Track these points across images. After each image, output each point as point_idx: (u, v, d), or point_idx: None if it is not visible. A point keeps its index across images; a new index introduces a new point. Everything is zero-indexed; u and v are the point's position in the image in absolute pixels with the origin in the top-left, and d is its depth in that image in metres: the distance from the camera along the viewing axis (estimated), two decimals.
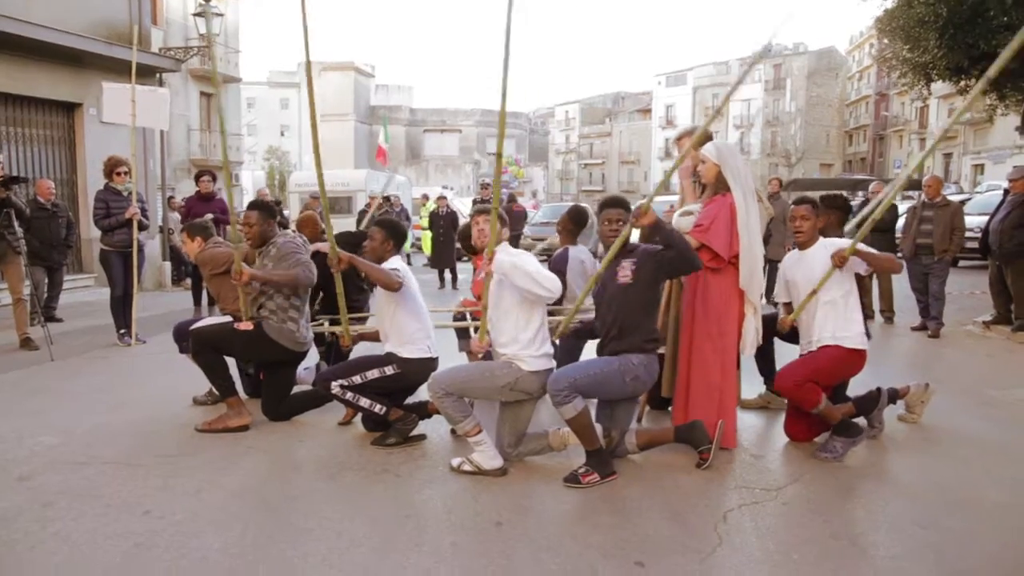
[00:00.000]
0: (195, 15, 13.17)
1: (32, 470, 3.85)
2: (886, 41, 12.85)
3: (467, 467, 3.78)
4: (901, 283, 8.48)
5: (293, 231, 5.15)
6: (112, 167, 7.41)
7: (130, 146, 7.81)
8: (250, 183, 37.49)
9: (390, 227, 4.43)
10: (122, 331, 7.37)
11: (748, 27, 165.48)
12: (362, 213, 12.34)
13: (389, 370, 4.19)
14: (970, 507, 3.41)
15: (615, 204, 4.14)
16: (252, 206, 4.89)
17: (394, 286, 4.06)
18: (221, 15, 13.28)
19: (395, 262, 4.31)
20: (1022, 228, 7.38)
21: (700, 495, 3.56)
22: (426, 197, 17.75)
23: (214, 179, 9.30)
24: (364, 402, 4.15)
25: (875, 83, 55.34)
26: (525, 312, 3.77)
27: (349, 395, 4.15)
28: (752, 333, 4.25)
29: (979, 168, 38.48)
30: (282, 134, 59.56)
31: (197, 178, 9.40)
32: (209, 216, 7.95)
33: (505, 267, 3.67)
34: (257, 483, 3.72)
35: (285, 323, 4.60)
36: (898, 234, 8.49)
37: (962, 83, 11.54)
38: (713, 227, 4.09)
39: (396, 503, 3.45)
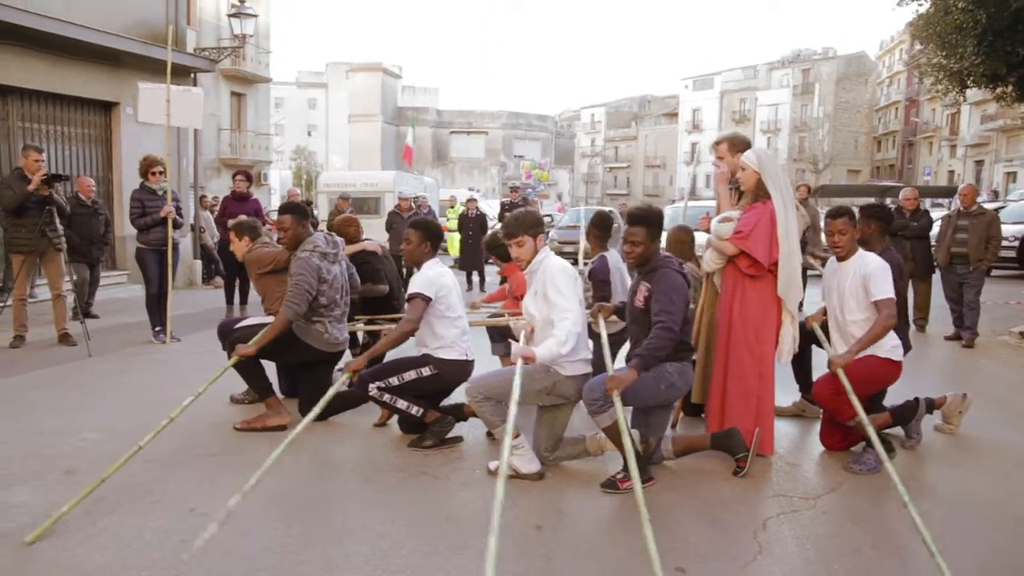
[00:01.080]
0: (230, 16, 13.33)
1: (78, 465, 3.94)
2: (920, 47, 12.67)
3: (493, 467, 3.81)
4: (935, 292, 8.38)
5: (326, 232, 5.16)
6: (148, 167, 7.53)
7: (164, 145, 7.95)
8: (277, 182, 37.94)
9: (425, 228, 4.42)
10: (157, 328, 7.50)
11: (776, 31, 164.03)
12: (392, 214, 12.39)
13: (426, 371, 4.23)
14: (1011, 522, 3.38)
15: (634, 221, 3.87)
16: (284, 209, 4.96)
17: (408, 332, 4.13)
18: (255, 16, 13.45)
19: (435, 266, 4.31)
20: None
21: (738, 502, 3.56)
22: (453, 199, 17.83)
23: (249, 179, 9.31)
24: (401, 404, 4.20)
25: (905, 89, 54.62)
26: None
27: (387, 397, 4.20)
28: (789, 341, 4.24)
29: (1011, 176, 37.83)
30: (309, 134, 60.25)
31: (233, 178, 9.42)
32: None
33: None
34: (298, 483, 3.78)
35: (312, 324, 4.66)
36: (933, 242, 8.37)
37: (998, 90, 11.40)
38: (753, 234, 4.09)
39: (435, 505, 3.49)
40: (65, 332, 7.24)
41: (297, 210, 4.92)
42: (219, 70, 22.09)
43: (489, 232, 5.96)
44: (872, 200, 26.63)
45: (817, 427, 4.54)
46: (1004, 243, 8.37)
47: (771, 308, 4.19)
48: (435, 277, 4.20)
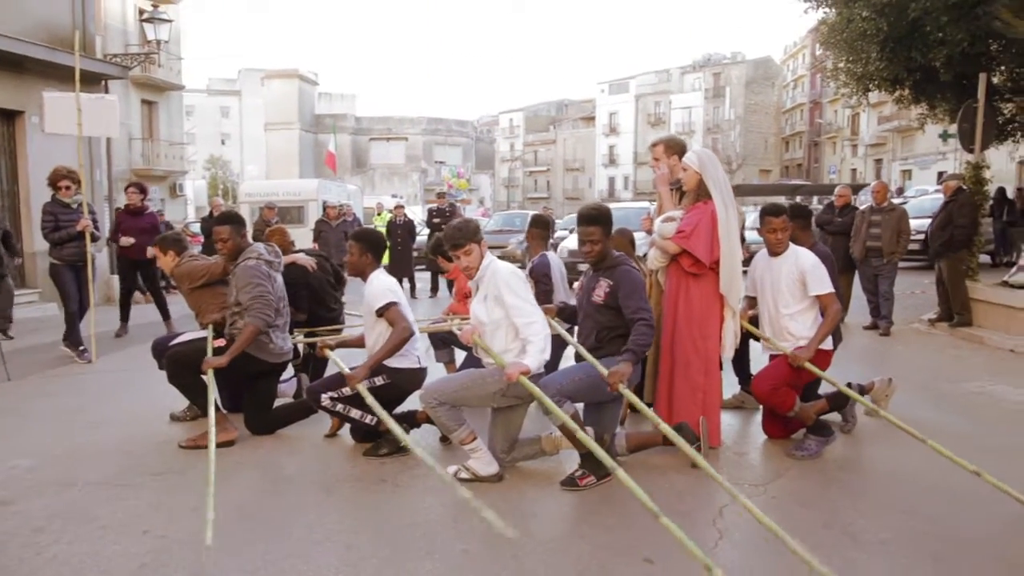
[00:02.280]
0: (143, 21, 12.83)
1: (13, 495, 3.72)
2: (826, 52, 13.37)
3: (464, 474, 3.82)
4: (853, 284, 8.86)
5: (265, 243, 5.04)
6: (56, 179, 7.19)
7: (76, 156, 7.56)
8: (191, 192, 36.60)
9: (366, 239, 4.40)
10: (82, 348, 7.15)
11: (688, 36, 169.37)
12: (320, 222, 12.18)
13: (379, 380, 4.19)
14: (943, 493, 3.62)
15: (588, 222, 3.96)
16: (222, 219, 4.81)
17: (407, 338, 4.09)
18: (170, 21, 12.98)
19: (381, 277, 4.28)
20: (946, 228, 7.94)
21: (693, 493, 3.68)
22: (380, 206, 17.66)
23: (143, 192, 8.69)
24: (355, 413, 4.15)
25: (809, 91, 57.35)
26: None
27: (340, 407, 4.15)
28: (731, 336, 4.42)
29: (907, 173, 40.21)
30: (223, 143, 58.38)
31: (125, 190, 8.76)
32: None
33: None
34: (253, 498, 3.70)
35: (259, 336, 4.55)
36: None
37: (896, 93, 12.15)
38: (695, 234, 4.24)
39: (399, 513, 3.48)
40: None
41: (235, 220, 4.80)
42: (129, 77, 21.18)
43: (435, 237, 5.96)
44: (783, 198, 27.93)
45: (758, 417, 4.74)
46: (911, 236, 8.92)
47: (714, 305, 4.35)
48: (391, 284, 4.22)
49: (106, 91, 12.23)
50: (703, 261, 4.25)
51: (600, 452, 3.00)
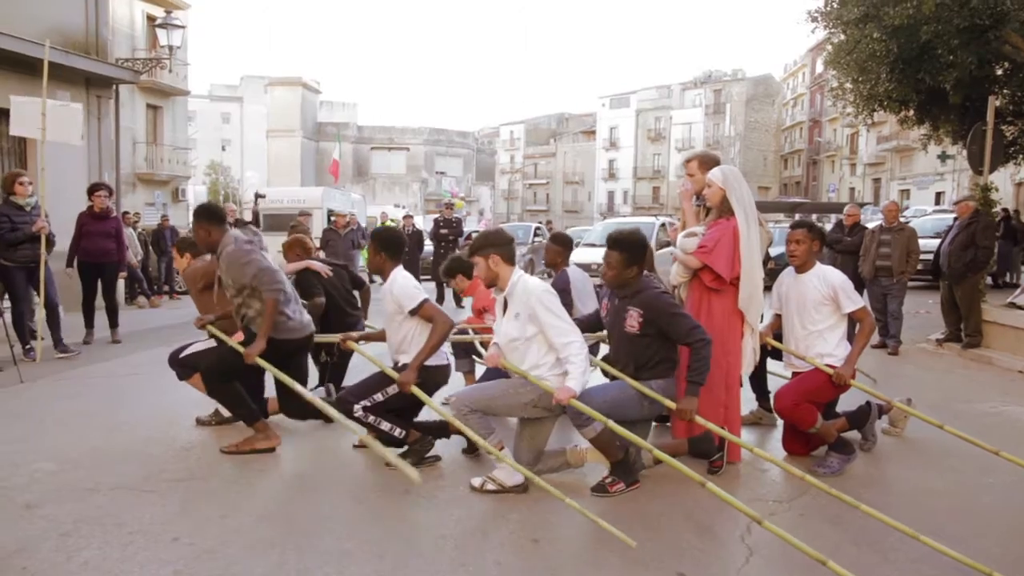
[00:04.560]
0: (157, 26, 12.88)
1: (38, 498, 3.71)
2: (832, 73, 13.48)
3: (490, 485, 3.83)
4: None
5: (240, 228, 4.80)
6: (11, 180, 7.27)
7: (85, 160, 7.65)
8: (192, 197, 36.58)
9: (379, 238, 4.38)
10: (28, 346, 7.23)
11: (689, 53, 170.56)
12: (328, 231, 12.18)
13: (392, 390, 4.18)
14: (968, 512, 3.64)
15: (609, 245, 4.03)
16: (195, 215, 4.61)
17: (450, 328, 4.16)
18: (183, 27, 13.04)
19: (404, 275, 4.23)
20: (968, 249, 7.90)
21: (720, 508, 3.66)
22: (385, 215, 17.69)
23: (111, 193, 8.51)
24: (385, 425, 4.14)
25: (808, 109, 57.74)
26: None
27: (371, 418, 4.11)
28: (750, 353, 4.44)
29: (906, 193, 40.44)
30: (223, 148, 58.36)
31: (90, 193, 8.29)
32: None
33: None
34: (281, 506, 3.70)
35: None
36: None
37: (901, 113, 12.27)
38: (716, 249, 4.27)
39: (429, 523, 3.48)
40: None
41: (202, 214, 4.53)
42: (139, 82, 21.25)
43: (450, 257, 5.98)
44: (782, 215, 28.07)
45: (777, 433, 4.76)
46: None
47: (735, 320, 4.37)
48: (415, 282, 4.23)
49: (116, 95, 12.29)
50: (723, 277, 4.28)
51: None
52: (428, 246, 14.06)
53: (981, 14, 8.81)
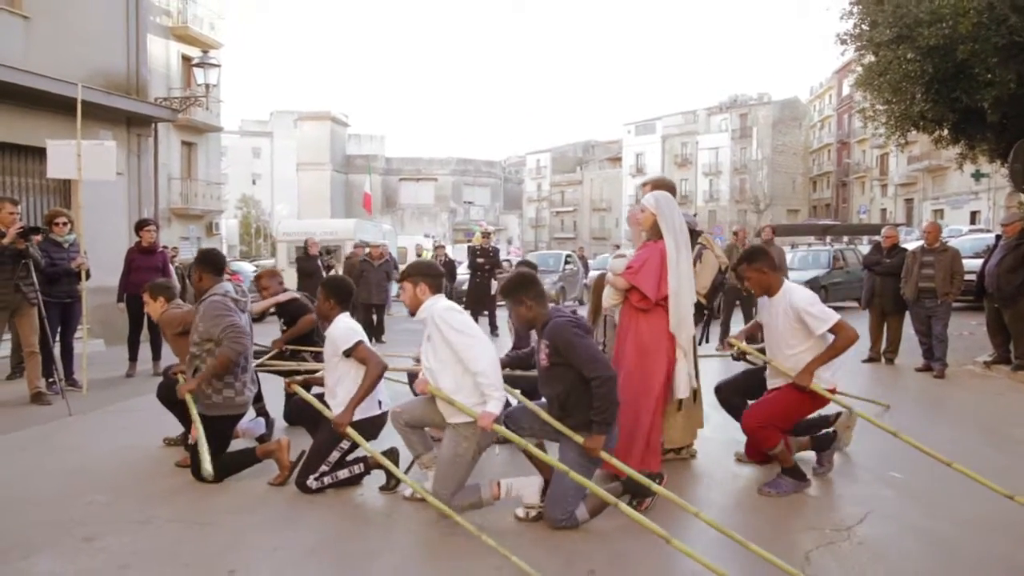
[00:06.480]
0: (195, 65, 13.26)
1: (95, 531, 3.75)
2: (863, 94, 13.39)
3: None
4: (904, 325, 8.73)
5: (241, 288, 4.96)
6: (52, 217, 7.57)
7: (125, 194, 7.85)
8: (225, 231, 37.28)
9: (331, 287, 4.51)
10: (50, 380, 7.20)
11: (714, 77, 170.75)
12: (363, 262, 12.32)
13: (346, 444, 4.25)
14: None
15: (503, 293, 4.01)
16: (196, 260, 4.84)
17: (383, 370, 4.18)
18: (219, 66, 13.41)
19: (344, 319, 4.35)
20: (1017, 271, 7.69)
21: (776, 537, 3.61)
22: (420, 247, 17.85)
23: (158, 229, 8.80)
24: (343, 474, 4.27)
25: (836, 131, 57.37)
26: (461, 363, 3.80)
27: (327, 480, 4.25)
28: (684, 377, 4.41)
29: (939, 213, 39.84)
30: (253, 182, 59.55)
31: (138, 228, 8.65)
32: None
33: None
34: (331, 539, 3.68)
35: (222, 392, 4.50)
36: None
37: (936, 133, 12.12)
38: (643, 270, 4.34)
39: (479, 555, 3.38)
40: (39, 391, 6.94)
41: (210, 260, 4.75)
42: (176, 120, 21.86)
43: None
44: (813, 238, 27.74)
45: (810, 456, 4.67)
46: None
47: (662, 340, 4.36)
48: (353, 325, 4.32)
49: (155, 133, 12.63)
50: (649, 296, 4.31)
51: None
52: (460, 275, 14.16)
53: (1020, 32, 8.73)
